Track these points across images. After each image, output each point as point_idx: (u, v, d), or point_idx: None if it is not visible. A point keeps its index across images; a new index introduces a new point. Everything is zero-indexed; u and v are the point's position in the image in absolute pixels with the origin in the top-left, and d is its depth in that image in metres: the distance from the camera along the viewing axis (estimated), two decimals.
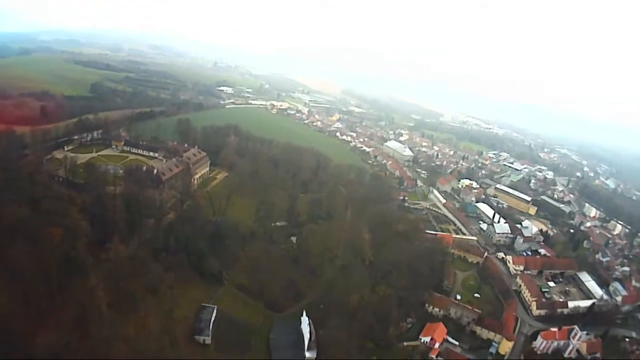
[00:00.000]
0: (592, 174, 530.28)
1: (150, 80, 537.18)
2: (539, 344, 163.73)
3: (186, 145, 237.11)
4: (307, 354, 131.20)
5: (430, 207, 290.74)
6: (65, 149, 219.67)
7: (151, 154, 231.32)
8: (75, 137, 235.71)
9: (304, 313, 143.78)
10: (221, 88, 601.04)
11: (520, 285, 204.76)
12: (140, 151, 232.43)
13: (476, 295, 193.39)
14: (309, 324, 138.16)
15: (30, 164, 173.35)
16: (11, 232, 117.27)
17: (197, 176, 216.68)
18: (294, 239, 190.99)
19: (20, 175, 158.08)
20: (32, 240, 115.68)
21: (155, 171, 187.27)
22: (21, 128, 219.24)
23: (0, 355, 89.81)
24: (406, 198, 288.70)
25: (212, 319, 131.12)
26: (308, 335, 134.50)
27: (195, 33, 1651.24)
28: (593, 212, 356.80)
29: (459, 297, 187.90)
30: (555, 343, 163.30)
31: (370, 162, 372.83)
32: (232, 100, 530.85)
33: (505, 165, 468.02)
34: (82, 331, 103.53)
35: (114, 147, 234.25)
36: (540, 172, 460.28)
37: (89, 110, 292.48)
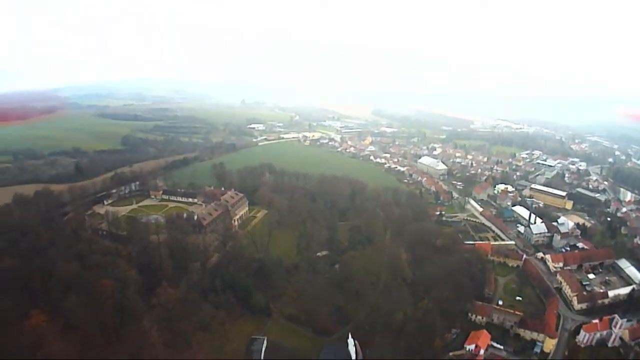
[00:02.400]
0: (623, 157, 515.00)
1: (180, 126, 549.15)
2: (582, 337, 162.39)
3: (223, 188, 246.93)
4: None
5: (468, 218, 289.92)
6: (105, 203, 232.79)
7: (190, 200, 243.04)
8: (114, 190, 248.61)
9: (350, 335, 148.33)
10: (252, 126, 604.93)
11: (561, 282, 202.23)
12: (179, 198, 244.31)
13: (518, 298, 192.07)
14: (355, 344, 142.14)
15: (73, 221, 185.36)
16: (63, 287, 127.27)
17: (237, 217, 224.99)
18: (337, 266, 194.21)
19: (64, 233, 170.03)
20: (85, 293, 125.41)
21: (195, 217, 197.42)
22: (57, 187, 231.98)
23: None
24: (443, 212, 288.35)
25: (263, 349, 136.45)
26: (354, 356, 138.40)
27: (208, 74, 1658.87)
28: (628, 196, 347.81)
29: (500, 302, 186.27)
30: (598, 334, 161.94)
31: (405, 181, 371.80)
32: (264, 137, 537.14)
33: (538, 163, 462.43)
34: None
35: (153, 197, 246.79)
36: (573, 164, 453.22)
37: (124, 163, 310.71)
